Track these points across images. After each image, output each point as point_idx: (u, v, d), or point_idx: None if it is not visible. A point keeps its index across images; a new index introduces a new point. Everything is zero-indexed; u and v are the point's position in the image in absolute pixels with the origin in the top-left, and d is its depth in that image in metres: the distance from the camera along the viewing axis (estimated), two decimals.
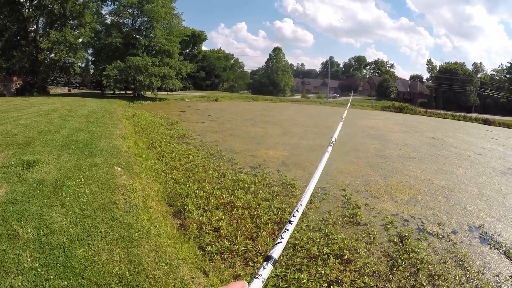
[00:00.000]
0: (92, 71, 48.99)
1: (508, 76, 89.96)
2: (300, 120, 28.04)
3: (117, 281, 4.53)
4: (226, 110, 34.02)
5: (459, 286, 5.91)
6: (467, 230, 8.36)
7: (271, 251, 1.08)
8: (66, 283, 4.33)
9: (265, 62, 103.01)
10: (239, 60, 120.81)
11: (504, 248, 7.58)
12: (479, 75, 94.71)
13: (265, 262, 1.00)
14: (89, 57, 45.33)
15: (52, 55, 39.14)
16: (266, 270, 0.89)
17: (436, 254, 6.98)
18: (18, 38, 39.48)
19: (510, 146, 24.28)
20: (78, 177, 7.87)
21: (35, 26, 40.81)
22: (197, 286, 4.89)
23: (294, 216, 1.36)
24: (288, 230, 1.31)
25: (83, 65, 45.04)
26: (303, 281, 5.36)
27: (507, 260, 7.12)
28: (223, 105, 41.08)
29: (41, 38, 39.37)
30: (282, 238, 1.20)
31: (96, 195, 7.09)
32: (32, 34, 40.57)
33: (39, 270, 4.47)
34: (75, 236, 5.35)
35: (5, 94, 41.26)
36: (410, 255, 6.64)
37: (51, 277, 4.38)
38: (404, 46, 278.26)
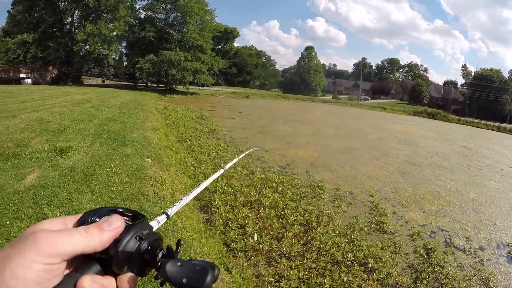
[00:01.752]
0: (125, 63, 49.96)
1: None
2: (331, 121, 27.91)
3: None
4: (256, 107, 34.11)
5: None
6: (495, 247, 8.21)
7: (168, 209, 1.07)
8: None
9: (297, 61, 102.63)
10: (271, 58, 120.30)
11: None
12: None
13: (163, 215, 1.00)
14: (123, 50, 46.54)
15: (87, 46, 40.36)
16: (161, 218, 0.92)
17: (462, 270, 6.91)
18: (54, 29, 40.78)
19: None
20: (108, 166, 8.08)
21: (70, 19, 42.11)
22: (220, 283, 4.96)
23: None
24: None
25: (117, 57, 46.40)
26: (325, 286, 5.39)
27: None
28: (254, 102, 41.20)
29: (76, 30, 40.56)
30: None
31: (126, 185, 7.27)
32: (68, 26, 41.80)
33: None
34: None
35: (41, 82, 42.56)
36: (435, 269, 6.59)
37: None
38: (438, 49, 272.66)
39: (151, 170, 8.57)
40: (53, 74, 45.29)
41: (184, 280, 0.63)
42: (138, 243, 0.66)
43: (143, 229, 0.70)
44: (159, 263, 0.67)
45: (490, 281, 6.60)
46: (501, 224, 9.73)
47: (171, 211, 1.03)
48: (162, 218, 0.96)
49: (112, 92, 29.45)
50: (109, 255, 0.63)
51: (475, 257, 7.54)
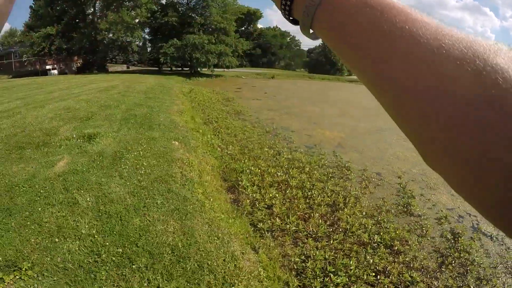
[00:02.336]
0: (149, 49, 50.18)
1: None
2: (358, 101, 27.47)
3: (169, 251, 4.78)
4: (282, 88, 33.87)
5: None
6: None
7: None
8: (121, 250, 4.64)
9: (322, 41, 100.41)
10: (296, 38, 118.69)
11: None
12: None
13: None
14: (146, 36, 47.17)
15: (110, 35, 40.89)
16: None
17: (488, 257, 6.85)
18: (77, 21, 41.59)
19: None
20: (136, 150, 8.29)
21: (92, 9, 42.61)
22: (246, 262, 5.05)
23: None
24: None
25: (141, 43, 46.73)
26: (351, 268, 5.45)
27: None
28: (279, 83, 40.87)
29: (99, 20, 41.14)
30: None
31: (154, 168, 7.44)
32: (90, 17, 42.58)
33: (95, 236, 4.82)
34: (131, 206, 5.70)
35: (67, 72, 43.27)
36: (461, 254, 6.56)
37: (107, 243, 4.71)
38: (468, 27, 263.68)
39: (178, 152, 8.72)
40: (78, 64, 46.12)
41: None
42: None
43: None
44: None
45: None
46: None
47: None
48: None
49: (137, 78, 29.77)
50: None
51: (502, 244, 7.45)
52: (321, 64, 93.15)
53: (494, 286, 5.90)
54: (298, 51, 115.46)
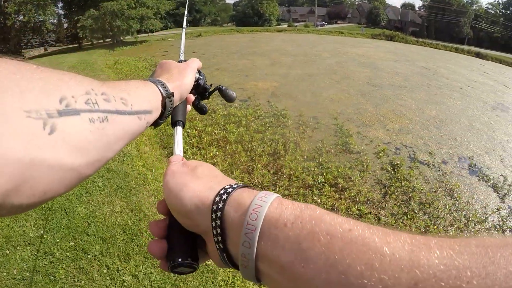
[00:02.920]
0: (65, 25, 47.01)
1: (503, 11, 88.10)
2: (288, 50, 27.45)
3: (121, 232, 4.67)
4: (210, 45, 33.06)
5: (448, 215, 6.09)
6: (457, 161, 8.49)
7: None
8: (72, 243, 4.46)
9: None
10: None
11: (492, 181, 7.76)
12: (474, 7, 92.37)
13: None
14: (60, 11, 43.32)
15: (21, 17, 37.08)
16: None
17: (427, 183, 7.13)
18: None
19: (502, 81, 24.12)
20: None
21: None
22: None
23: None
24: None
25: (55, 20, 43.08)
26: None
27: (494, 193, 7.32)
28: (207, 40, 39.84)
29: (6, 3, 37.16)
30: None
31: None
32: None
33: (45, 236, 4.57)
34: (73, 195, 5.41)
35: None
36: (402, 183, 6.77)
37: (58, 240, 4.50)
38: None
39: None
40: None
41: (229, 95, 1.23)
42: (205, 81, 1.15)
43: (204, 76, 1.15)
44: (216, 88, 1.20)
45: (454, 192, 6.87)
46: (461, 139, 10.01)
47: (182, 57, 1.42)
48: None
49: (57, 59, 27.86)
50: (197, 84, 1.08)
51: (439, 171, 7.77)
52: (248, 17, 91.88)
53: (437, 208, 6.13)
54: (223, 6, 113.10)
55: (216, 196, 0.57)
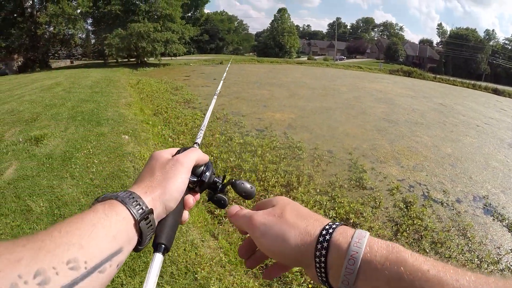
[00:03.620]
0: (93, 41, 48.25)
1: None
2: (307, 82, 27.75)
3: None
4: (231, 73, 33.58)
5: (461, 255, 6.03)
6: (472, 200, 8.44)
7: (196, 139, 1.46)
8: None
9: (269, 24, 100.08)
10: (243, 22, 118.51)
11: (507, 221, 7.68)
12: (491, 43, 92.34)
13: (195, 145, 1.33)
14: (89, 27, 44.46)
15: (51, 28, 38.19)
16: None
17: (440, 221, 7.09)
18: (15, 15, 38.56)
19: None
20: (86, 148, 7.90)
21: (31, 1, 39.64)
22: (207, 249, 4.94)
23: None
24: None
25: (84, 35, 44.35)
26: None
27: (509, 233, 7.23)
28: (228, 68, 40.60)
29: (38, 13, 38.33)
30: None
31: (105, 164, 7.13)
32: (29, 10, 39.44)
33: None
34: (86, 206, 5.34)
35: (7, 73, 40.64)
36: (415, 221, 6.75)
37: None
38: (414, 8, 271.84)
39: (129, 146, 8.41)
40: (19, 62, 43.21)
41: (245, 191, 0.99)
42: (213, 175, 0.98)
43: (211, 167, 0.99)
44: (229, 182, 1.00)
45: (468, 232, 6.80)
46: (476, 177, 9.96)
47: (199, 141, 1.36)
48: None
49: (82, 73, 28.42)
50: (200, 181, 0.92)
51: (453, 209, 7.73)
52: (269, 48, 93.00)
53: (449, 247, 6.09)
54: (246, 35, 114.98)
55: (317, 244, 0.63)
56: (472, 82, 53.41)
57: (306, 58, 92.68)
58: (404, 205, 7.45)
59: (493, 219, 7.66)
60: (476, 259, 6.04)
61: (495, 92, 46.07)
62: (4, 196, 5.55)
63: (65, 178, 6.32)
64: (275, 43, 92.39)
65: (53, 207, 5.36)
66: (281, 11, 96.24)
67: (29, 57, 41.19)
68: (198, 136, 1.49)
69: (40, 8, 39.48)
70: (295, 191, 7.43)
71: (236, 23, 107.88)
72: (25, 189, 5.83)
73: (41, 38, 38.91)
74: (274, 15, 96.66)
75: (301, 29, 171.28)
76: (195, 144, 1.37)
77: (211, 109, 1.68)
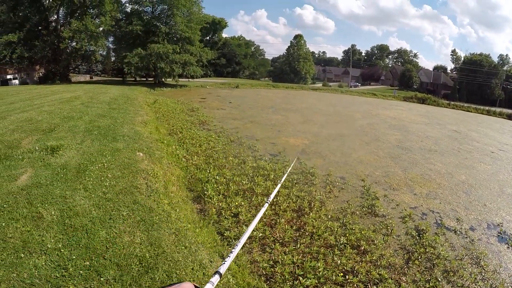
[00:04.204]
0: (113, 58, 49.38)
1: None
2: (321, 109, 27.90)
3: (137, 263, 4.68)
4: (247, 97, 33.96)
5: (474, 284, 5.95)
6: (485, 227, 8.34)
7: (219, 267, 1.23)
8: (88, 263, 4.48)
9: (286, 50, 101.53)
10: (260, 47, 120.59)
11: None
12: (505, 68, 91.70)
13: (216, 275, 1.13)
14: (110, 45, 45.80)
15: (74, 43, 39.41)
16: (215, 279, 1.03)
17: (453, 250, 7.02)
18: (40, 28, 39.76)
19: None
20: (100, 162, 8.02)
21: (55, 16, 41.03)
22: (215, 270, 4.96)
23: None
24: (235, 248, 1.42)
25: (104, 53, 45.55)
26: (319, 270, 5.45)
27: None
28: (244, 92, 40.98)
29: (62, 28, 39.70)
30: (231, 253, 1.37)
31: (119, 179, 7.24)
32: (53, 24, 40.83)
33: (62, 250, 4.63)
34: (97, 219, 5.52)
35: (28, 82, 41.78)
36: (427, 250, 6.69)
37: (74, 257, 4.54)
38: (427, 35, 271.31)
39: (143, 163, 8.54)
40: (40, 73, 44.37)
41: None
42: None
43: None
44: None
45: (481, 260, 6.71)
46: (491, 205, 9.86)
47: (223, 269, 1.24)
48: (216, 279, 1.17)
49: (101, 88, 29.10)
50: None
51: (466, 237, 7.65)
52: (285, 73, 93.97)
53: (461, 276, 6.02)
54: (262, 60, 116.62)
55: None
56: (487, 108, 53.03)
57: (321, 84, 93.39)
58: (417, 233, 7.40)
59: (508, 247, 7.55)
60: None
61: (510, 117, 45.64)
62: (17, 201, 5.66)
63: (78, 190, 6.44)
64: (291, 68, 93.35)
65: (64, 216, 5.45)
66: (297, 37, 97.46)
67: (50, 69, 42.21)
68: (224, 263, 1.40)
69: (64, 23, 40.90)
70: (306, 216, 7.44)
71: (253, 48, 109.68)
72: (38, 196, 5.93)
73: (63, 52, 40.02)
74: (291, 41, 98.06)
75: (316, 55, 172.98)
76: (216, 275, 1.33)
77: (256, 220, 1.75)
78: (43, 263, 4.35)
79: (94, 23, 37.98)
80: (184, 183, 8.79)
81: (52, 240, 4.81)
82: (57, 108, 14.89)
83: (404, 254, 6.53)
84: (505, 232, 8.22)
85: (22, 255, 4.44)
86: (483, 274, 6.29)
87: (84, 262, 4.50)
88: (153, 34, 40.61)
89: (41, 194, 6.03)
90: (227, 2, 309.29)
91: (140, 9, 42.61)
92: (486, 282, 6.07)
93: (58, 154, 8.22)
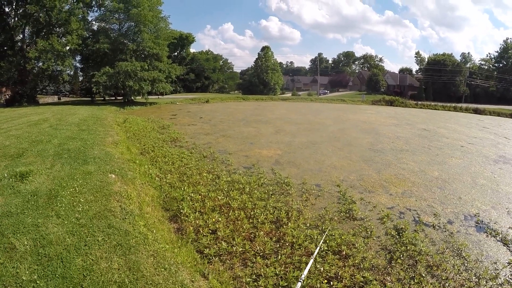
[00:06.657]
0: (81, 78, 48.49)
1: (496, 65, 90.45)
2: (292, 118, 28.00)
3: None
4: (217, 111, 33.90)
5: (458, 275, 5.98)
6: (463, 219, 8.44)
7: None
8: None
9: (254, 62, 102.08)
10: (228, 61, 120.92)
11: (500, 236, 7.68)
12: (468, 65, 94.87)
13: None
14: (78, 64, 44.82)
15: (40, 64, 38.45)
16: None
17: (434, 244, 7.05)
18: (5, 48, 38.87)
19: (502, 134, 24.46)
20: (72, 186, 7.79)
21: (21, 36, 40.19)
22: None
23: None
24: None
25: (72, 72, 44.45)
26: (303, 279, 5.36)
27: (504, 247, 7.22)
28: (214, 107, 40.92)
29: (28, 48, 38.81)
30: None
31: (91, 204, 7.03)
32: (19, 44, 39.92)
33: (37, 282, 4.45)
34: (72, 246, 5.32)
35: None
36: (408, 247, 6.71)
37: None
38: (391, 39, 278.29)
39: (115, 185, 8.34)
40: (7, 96, 43.32)
41: None
42: None
43: None
44: None
45: (463, 251, 6.79)
46: (466, 197, 10.00)
47: None
48: None
49: (69, 109, 28.56)
50: None
51: (445, 231, 7.71)
52: (254, 85, 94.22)
53: (445, 269, 6.04)
54: (231, 74, 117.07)
55: None
56: (453, 104, 54.46)
57: (290, 94, 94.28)
58: (396, 232, 7.42)
59: (487, 235, 7.66)
60: (474, 277, 5.99)
61: (476, 112, 47.00)
62: None
63: (50, 217, 6.23)
64: (260, 80, 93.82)
65: (38, 246, 5.25)
66: (265, 49, 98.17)
67: (17, 91, 41.06)
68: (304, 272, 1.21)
69: (30, 43, 39.89)
70: (285, 226, 7.37)
71: (221, 61, 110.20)
72: (9, 226, 5.72)
73: (30, 72, 38.97)
74: (258, 53, 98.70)
75: (284, 66, 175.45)
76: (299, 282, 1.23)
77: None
78: None
79: (60, 42, 37.15)
80: (159, 202, 8.62)
81: (27, 272, 4.64)
82: (25, 131, 14.52)
83: (386, 254, 6.52)
84: (482, 221, 8.37)
85: None
86: (466, 265, 6.35)
87: None
88: (120, 52, 40.09)
89: (12, 223, 5.81)
90: (194, 17, 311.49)
91: (107, 26, 42.11)
92: (470, 272, 6.12)
93: (27, 180, 7.96)
